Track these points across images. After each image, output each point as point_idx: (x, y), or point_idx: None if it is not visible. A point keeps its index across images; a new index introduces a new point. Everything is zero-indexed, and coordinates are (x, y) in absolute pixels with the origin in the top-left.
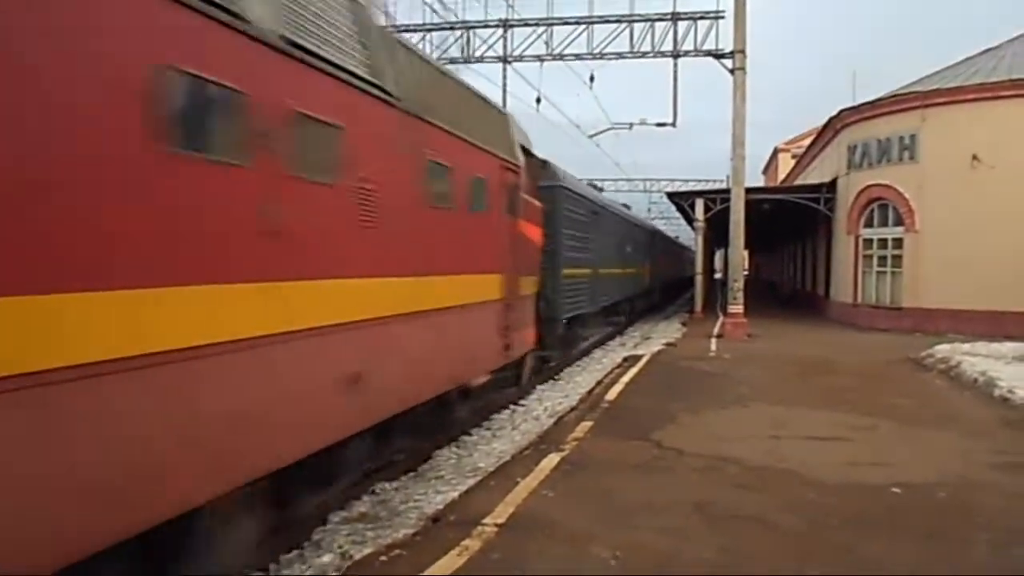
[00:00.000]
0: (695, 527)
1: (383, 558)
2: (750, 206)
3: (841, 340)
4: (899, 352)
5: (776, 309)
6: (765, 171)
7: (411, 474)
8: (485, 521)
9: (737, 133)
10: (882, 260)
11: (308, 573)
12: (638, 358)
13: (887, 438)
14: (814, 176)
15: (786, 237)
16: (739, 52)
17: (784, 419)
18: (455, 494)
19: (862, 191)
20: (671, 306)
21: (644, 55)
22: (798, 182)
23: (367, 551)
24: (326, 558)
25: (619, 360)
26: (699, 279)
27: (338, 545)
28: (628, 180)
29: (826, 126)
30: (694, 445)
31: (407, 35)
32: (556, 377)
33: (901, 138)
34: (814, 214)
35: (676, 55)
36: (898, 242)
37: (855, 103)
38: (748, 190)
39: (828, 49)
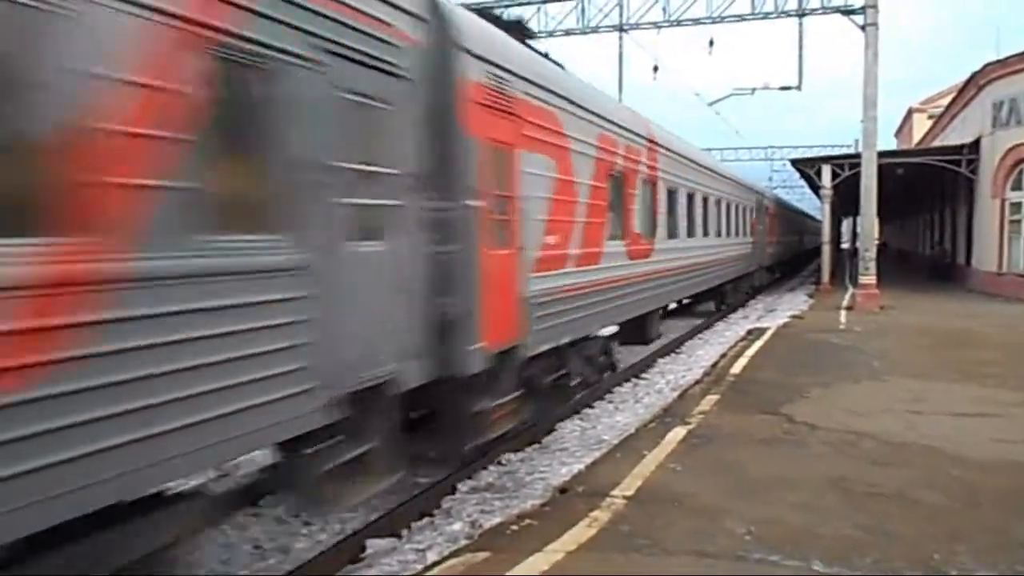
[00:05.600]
0: (831, 503)
1: (513, 527)
2: (882, 171)
3: (984, 311)
4: None
5: (911, 279)
6: (898, 134)
7: (535, 445)
8: (613, 493)
9: (868, 94)
10: None
11: (439, 540)
12: (763, 331)
13: None
14: (954, 137)
15: (922, 203)
16: (870, 7)
17: (923, 393)
18: (581, 466)
19: (1009, 151)
20: (795, 278)
21: (767, 16)
22: (936, 144)
23: (496, 520)
24: (456, 526)
25: (742, 333)
26: (826, 249)
27: (467, 514)
28: (748, 149)
29: (968, 82)
30: (826, 419)
31: (519, 9)
32: (678, 351)
33: None
34: (954, 178)
35: (801, 14)
36: None
37: (1000, 57)
38: (880, 154)
39: (968, 1)
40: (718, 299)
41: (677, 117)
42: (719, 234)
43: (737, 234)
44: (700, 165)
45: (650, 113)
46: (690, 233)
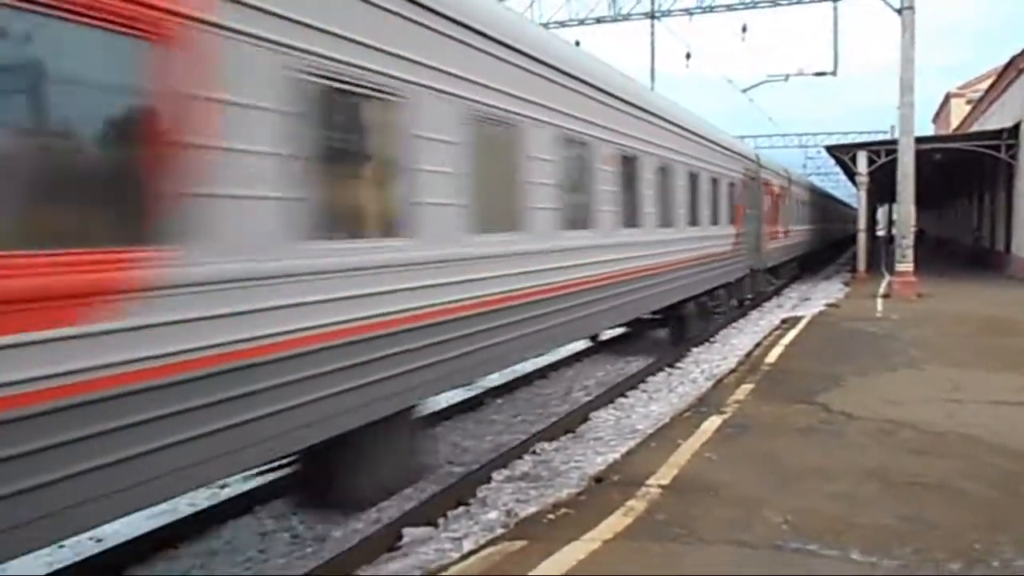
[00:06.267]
0: (870, 493)
1: (549, 516)
2: (920, 157)
3: None
4: None
5: (949, 266)
6: (935, 120)
7: (570, 435)
8: (648, 482)
9: (905, 78)
10: None
11: (475, 528)
12: (798, 319)
13: None
14: (993, 122)
15: (959, 190)
16: None
17: (963, 382)
18: (616, 455)
19: None
20: (830, 266)
21: (801, 1)
22: (974, 129)
23: (532, 509)
24: (492, 515)
25: (777, 322)
26: (862, 237)
27: (503, 503)
28: (783, 135)
29: (1008, 66)
30: (864, 409)
31: None
32: (711, 340)
33: None
34: (993, 163)
35: None
36: None
37: None
38: (918, 140)
39: None
40: (674, 327)
41: (710, 104)
42: (668, 223)
43: (703, 223)
44: (597, 89)
45: (683, 101)
46: (577, 222)
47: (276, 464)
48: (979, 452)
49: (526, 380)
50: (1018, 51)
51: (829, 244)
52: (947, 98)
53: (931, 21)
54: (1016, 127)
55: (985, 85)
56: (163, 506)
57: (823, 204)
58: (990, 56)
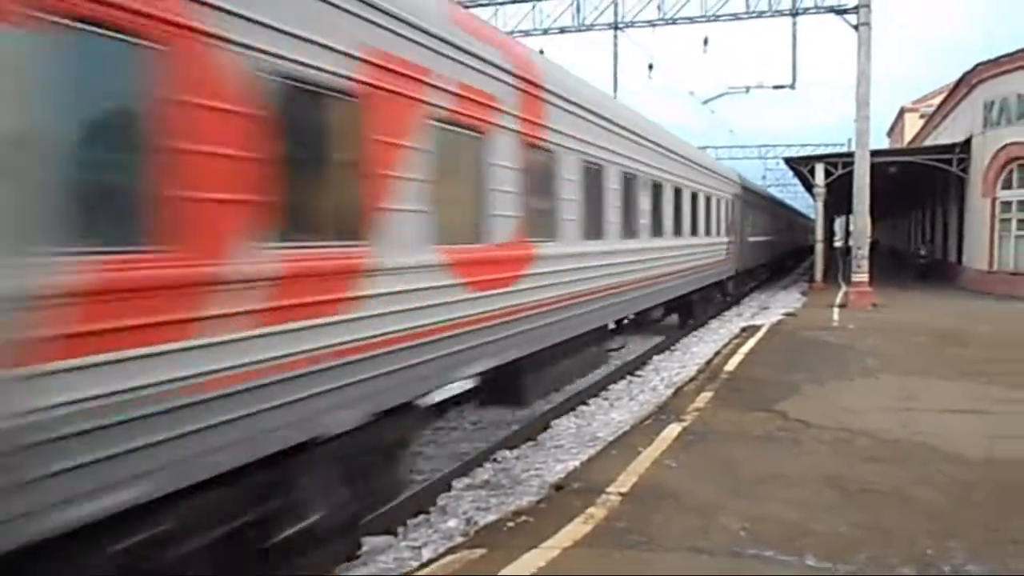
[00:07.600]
0: (826, 500)
1: (509, 524)
2: (875, 170)
3: (976, 309)
4: None
5: (903, 278)
6: (890, 133)
7: (531, 443)
8: (608, 490)
9: (861, 93)
10: (1022, 224)
11: (434, 537)
12: (757, 328)
13: None
14: (945, 136)
15: (913, 202)
16: (863, 6)
17: (917, 391)
18: (576, 463)
19: (1000, 150)
20: (789, 276)
21: (761, 15)
22: (928, 143)
23: (492, 517)
24: (452, 523)
25: (736, 330)
26: (819, 248)
27: (462, 511)
28: (743, 147)
29: (960, 82)
30: (821, 417)
31: (516, 5)
32: (673, 348)
33: None
34: (945, 177)
35: (795, 13)
36: None
37: (991, 57)
38: (873, 153)
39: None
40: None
41: (672, 115)
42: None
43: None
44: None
45: (645, 112)
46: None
47: None
48: (932, 460)
49: None
50: (970, 68)
51: (781, 254)
52: (902, 112)
53: (889, 33)
54: (967, 142)
55: (938, 100)
56: None
57: (774, 210)
58: (943, 69)
